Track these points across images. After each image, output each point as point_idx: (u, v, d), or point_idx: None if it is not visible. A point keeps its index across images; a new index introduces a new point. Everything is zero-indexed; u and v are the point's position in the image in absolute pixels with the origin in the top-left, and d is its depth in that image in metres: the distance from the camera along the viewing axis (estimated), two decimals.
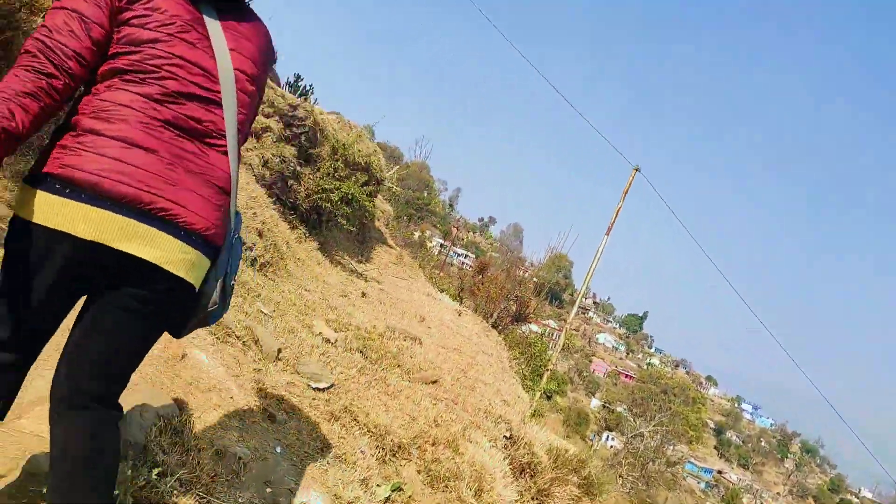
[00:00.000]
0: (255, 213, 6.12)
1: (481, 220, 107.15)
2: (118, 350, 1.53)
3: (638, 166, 16.54)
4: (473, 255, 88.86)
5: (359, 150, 8.63)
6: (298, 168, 7.99)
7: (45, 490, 1.73)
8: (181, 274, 1.48)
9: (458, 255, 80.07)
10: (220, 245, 1.60)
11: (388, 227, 16.71)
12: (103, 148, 1.38)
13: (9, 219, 1.45)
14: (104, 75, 1.44)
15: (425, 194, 66.98)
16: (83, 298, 1.53)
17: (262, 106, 7.83)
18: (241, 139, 1.64)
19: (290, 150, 7.78)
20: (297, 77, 18.27)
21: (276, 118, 7.72)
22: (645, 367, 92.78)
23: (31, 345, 1.48)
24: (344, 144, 8.28)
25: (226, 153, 1.57)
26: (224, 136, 1.55)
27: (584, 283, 20.55)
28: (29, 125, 1.30)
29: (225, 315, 4.18)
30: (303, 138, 8.05)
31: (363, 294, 8.18)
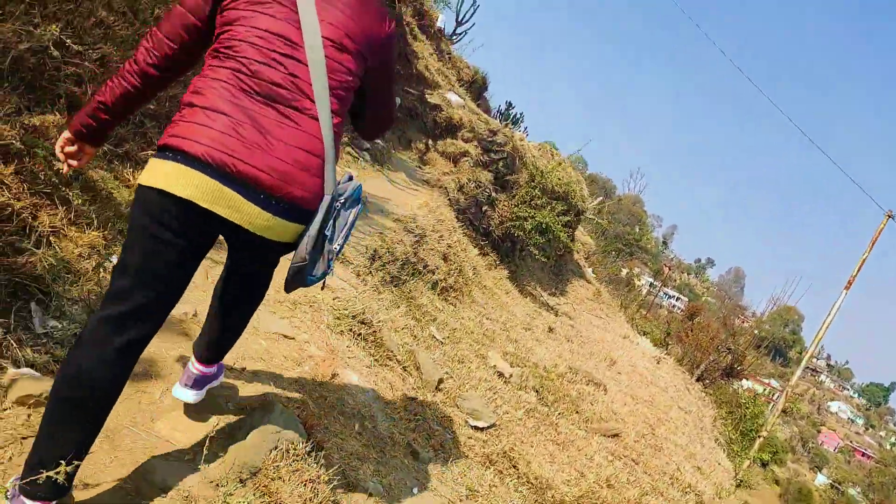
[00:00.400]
0: (441, 237, 6.07)
1: (698, 261, 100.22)
2: (251, 285, 1.95)
3: (891, 212, 14.12)
4: (686, 299, 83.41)
5: (558, 179, 8.31)
6: (494, 194, 7.88)
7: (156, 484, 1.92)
8: (263, 234, 1.59)
9: (669, 296, 75.70)
10: (310, 209, 1.62)
11: (589, 261, 16.06)
12: (195, 117, 1.52)
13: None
14: (208, 57, 1.61)
15: (637, 229, 64.39)
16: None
17: (462, 131, 7.89)
18: (337, 104, 1.65)
19: (486, 176, 7.71)
20: (509, 105, 18.59)
21: (475, 143, 7.70)
22: (888, 447, 79.04)
23: (154, 315, 1.61)
24: (542, 172, 8.01)
25: (315, 118, 1.60)
26: (312, 101, 1.59)
27: (814, 342, 18.05)
28: (113, 99, 1.63)
29: (390, 337, 4.12)
30: (500, 164, 7.94)
31: (550, 329, 7.79)
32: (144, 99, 1.69)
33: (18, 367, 1.99)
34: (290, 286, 1.77)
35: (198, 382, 2.16)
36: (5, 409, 1.87)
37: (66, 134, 1.70)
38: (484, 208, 7.74)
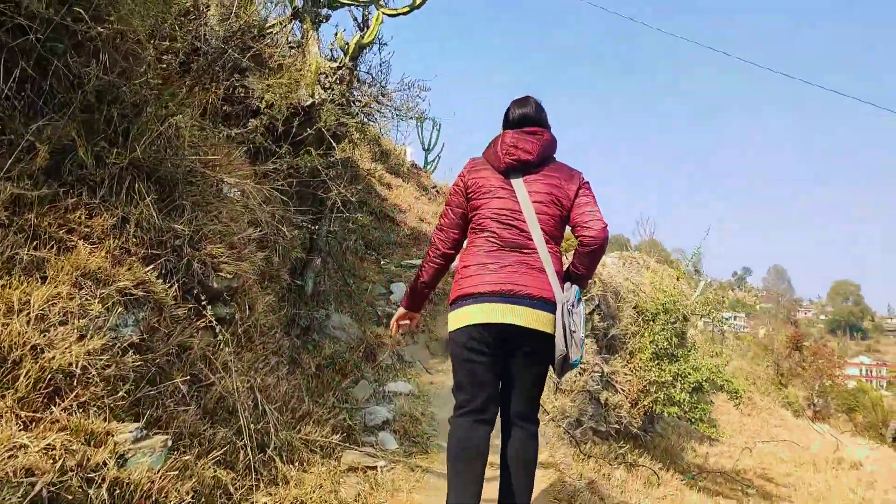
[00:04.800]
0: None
1: (734, 273, 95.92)
2: (529, 385, 2.53)
3: None
4: (743, 314, 79.28)
5: (680, 295, 5.34)
6: (605, 368, 4.86)
7: None
8: (536, 326, 2.39)
9: (725, 319, 71.40)
10: (553, 300, 2.42)
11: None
12: (472, 273, 2.48)
13: (446, 339, 2.83)
14: (470, 232, 2.61)
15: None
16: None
17: None
18: (550, 238, 2.52)
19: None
20: None
21: None
22: None
23: (488, 404, 2.45)
24: (664, 305, 5.03)
25: (536, 251, 2.47)
26: (533, 240, 2.48)
27: None
28: (429, 277, 2.72)
29: None
30: (595, 318, 4.99)
31: None
32: (445, 270, 2.71)
33: None
34: (560, 372, 2.45)
35: None
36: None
37: (401, 311, 2.84)
38: (603, 398, 4.71)
